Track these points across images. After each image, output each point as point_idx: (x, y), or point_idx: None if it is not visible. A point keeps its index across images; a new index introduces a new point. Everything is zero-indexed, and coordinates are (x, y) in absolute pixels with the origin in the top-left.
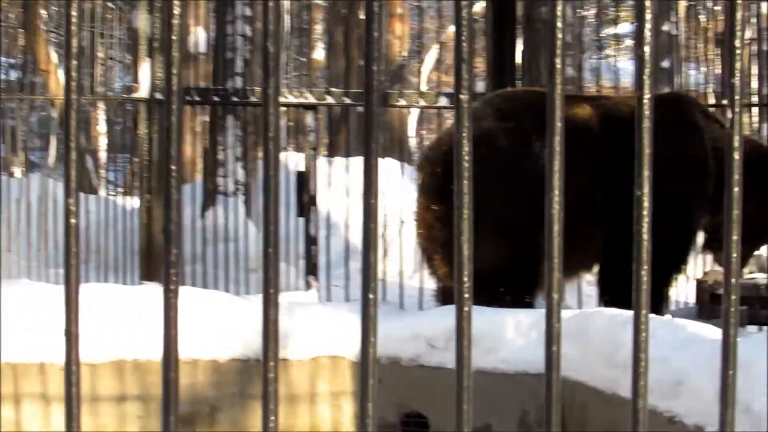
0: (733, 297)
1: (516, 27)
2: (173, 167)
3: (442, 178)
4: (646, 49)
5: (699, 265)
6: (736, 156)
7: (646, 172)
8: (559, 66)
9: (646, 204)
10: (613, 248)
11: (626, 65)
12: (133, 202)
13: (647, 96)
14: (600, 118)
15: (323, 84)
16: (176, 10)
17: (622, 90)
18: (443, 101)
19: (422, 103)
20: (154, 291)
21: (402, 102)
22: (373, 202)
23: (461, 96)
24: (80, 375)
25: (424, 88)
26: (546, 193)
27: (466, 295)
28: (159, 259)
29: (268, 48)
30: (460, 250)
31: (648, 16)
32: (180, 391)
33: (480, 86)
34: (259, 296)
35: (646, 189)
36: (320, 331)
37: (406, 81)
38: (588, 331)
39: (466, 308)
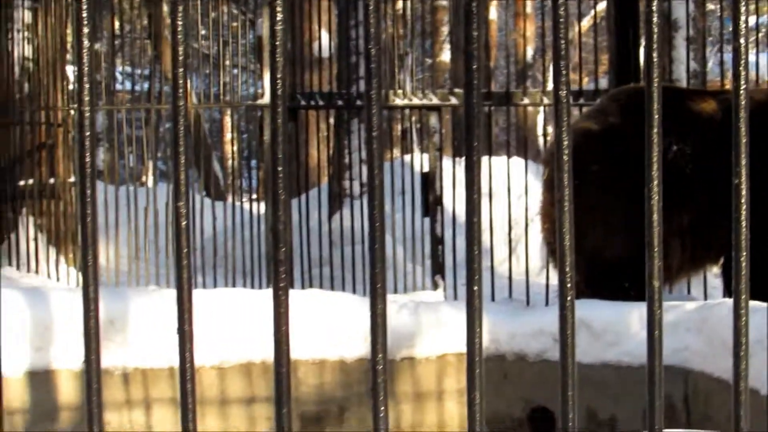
0: None
1: (638, 23)
2: (280, 168)
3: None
4: (742, 41)
5: None
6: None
7: (743, 161)
8: (656, 60)
9: (743, 192)
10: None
11: (758, 58)
12: (261, 208)
13: (743, 87)
14: (725, 112)
15: (449, 85)
16: (279, 16)
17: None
18: None
19: (546, 101)
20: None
21: (525, 101)
22: (475, 197)
23: (560, 93)
24: (194, 372)
25: (550, 86)
26: (646, 183)
27: (569, 285)
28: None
29: (369, 51)
30: (562, 241)
31: (743, 8)
32: (309, 392)
33: (603, 83)
34: (389, 297)
35: (744, 177)
36: (447, 329)
37: (534, 80)
38: (712, 322)
39: (569, 297)
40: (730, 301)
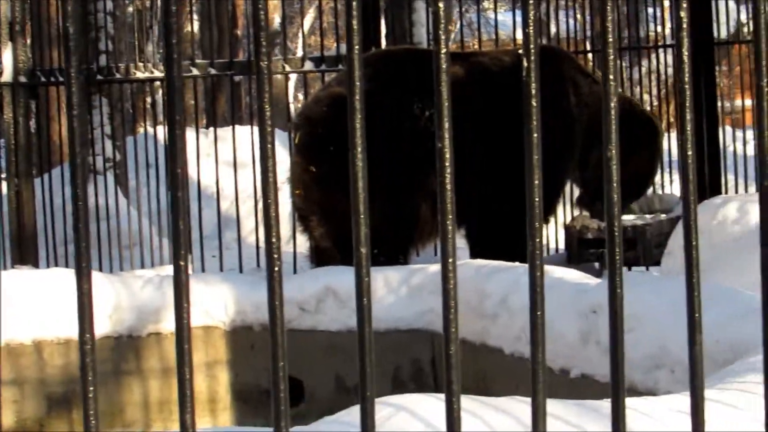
0: (537, 240)
1: None
2: None
3: (323, 138)
4: (441, 4)
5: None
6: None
7: (446, 125)
8: (356, 26)
9: (447, 155)
10: (486, 204)
11: (505, 18)
12: (4, 188)
13: (444, 51)
14: (471, 75)
15: (198, 56)
16: None
17: (503, 44)
18: (309, 65)
19: (287, 68)
20: (26, 275)
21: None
22: (179, 170)
23: (261, 63)
24: None
25: (300, 53)
26: (350, 150)
27: (276, 265)
28: (30, 243)
29: (67, 29)
30: (266, 212)
31: None
32: (55, 373)
33: (344, 48)
34: (135, 272)
35: (447, 141)
36: (192, 302)
37: (284, 47)
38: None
39: (275, 269)
40: (473, 261)
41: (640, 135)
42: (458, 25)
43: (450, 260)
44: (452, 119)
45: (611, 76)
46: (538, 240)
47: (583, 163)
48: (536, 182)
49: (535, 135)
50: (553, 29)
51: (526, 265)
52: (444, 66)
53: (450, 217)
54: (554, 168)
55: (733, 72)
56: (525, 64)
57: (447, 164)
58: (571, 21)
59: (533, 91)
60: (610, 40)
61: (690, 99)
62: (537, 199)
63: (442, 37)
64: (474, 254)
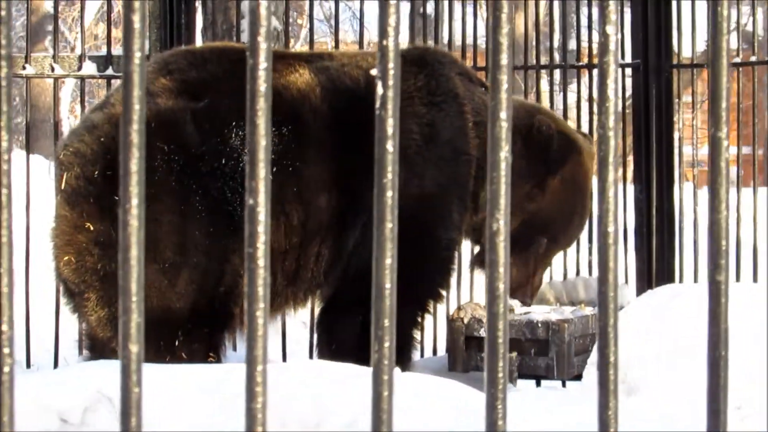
0: (386, 344)
1: None
2: None
3: (101, 183)
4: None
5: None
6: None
7: (263, 173)
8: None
9: (261, 219)
10: (352, 265)
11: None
12: None
13: (264, 66)
14: (325, 87)
15: None
16: None
17: (371, 47)
18: (90, 68)
19: (58, 70)
20: None
21: (29, 69)
22: None
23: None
24: None
25: (79, 49)
26: (121, 202)
27: (6, 356)
28: None
29: None
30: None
31: None
32: None
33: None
34: None
35: (262, 198)
36: None
37: (62, 39)
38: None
39: (6, 369)
40: (312, 363)
41: (551, 154)
42: (309, 20)
43: (259, 368)
44: (304, 147)
45: (503, 114)
46: (387, 344)
47: (474, 203)
48: (388, 261)
49: (390, 194)
50: (445, 33)
51: (395, 373)
52: (262, 89)
53: (262, 305)
54: (441, 221)
55: (699, 107)
56: (380, 90)
57: (261, 229)
58: (471, 21)
59: (390, 130)
60: (504, 62)
61: (613, 151)
62: (389, 286)
63: (262, 45)
64: (329, 351)
